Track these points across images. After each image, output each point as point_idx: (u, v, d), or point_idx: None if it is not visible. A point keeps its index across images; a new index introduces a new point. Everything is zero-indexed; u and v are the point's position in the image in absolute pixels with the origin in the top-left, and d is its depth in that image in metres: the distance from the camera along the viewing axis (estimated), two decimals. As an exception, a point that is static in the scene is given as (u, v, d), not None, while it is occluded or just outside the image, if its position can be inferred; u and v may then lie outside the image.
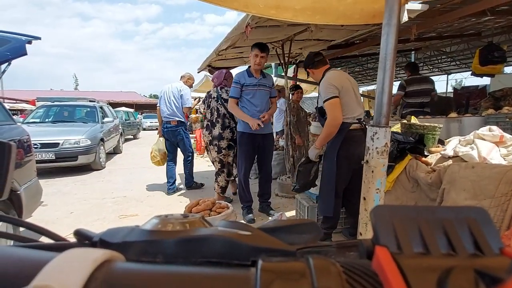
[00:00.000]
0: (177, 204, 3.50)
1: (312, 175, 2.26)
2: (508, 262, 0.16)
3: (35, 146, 4.77)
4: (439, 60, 8.34)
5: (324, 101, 2.02)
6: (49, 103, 6.89)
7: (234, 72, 5.34)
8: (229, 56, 3.76)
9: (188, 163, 4.21)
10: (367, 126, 1.26)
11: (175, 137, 3.97)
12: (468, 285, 0.14)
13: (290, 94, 4.15)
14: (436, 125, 2.15)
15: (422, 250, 0.17)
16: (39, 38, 2.76)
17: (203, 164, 6.03)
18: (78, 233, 0.25)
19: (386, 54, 1.09)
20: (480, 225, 0.18)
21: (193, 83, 4.19)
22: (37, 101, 7.52)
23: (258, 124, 2.67)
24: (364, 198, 1.22)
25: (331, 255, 0.22)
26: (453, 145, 1.94)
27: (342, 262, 0.17)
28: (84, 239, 0.24)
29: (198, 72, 4.70)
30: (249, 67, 2.87)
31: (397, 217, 0.19)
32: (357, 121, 2.08)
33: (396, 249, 0.17)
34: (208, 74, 5.65)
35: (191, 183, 4.25)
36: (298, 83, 4.94)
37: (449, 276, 0.15)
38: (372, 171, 1.19)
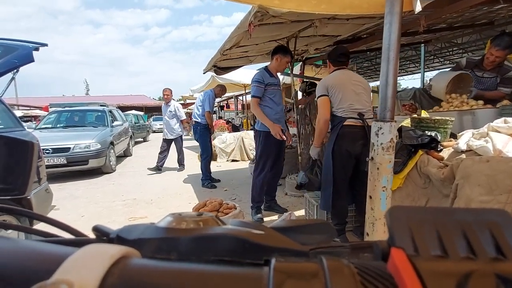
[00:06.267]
0: (186, 205, 3.51)
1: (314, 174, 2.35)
2: None
3: (47, 151, 4.87)
4: (451, 52, 8.13)
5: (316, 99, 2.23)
6: (60, 108, 7.03)
7: (238, 72, 5.37)
8: (234, 55, 3.74)
9: (201, 163, 4.45)
10: (372, 122, 1.22)
11: (195, 134, 4.59)
12: None
13: (306, 93, 4.10)
14: (447, 118, 2.08)
15: (440, 253, 0.16)
16: (46, 45, 2.79)
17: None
18: (96, 229, 0.26)
19: (389, 45, 1.04)
20: (502, 228, 0.17)
21: (222, 93, 4.66)
22: (50, 107, 7.67)
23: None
24: (370, 197, 1.17)
25: (345, 256, 0.22)
26: (466, 139, 1.86)
27: (356, 263, 0.17)
28: (102, 235, 0.25)
29: (204, 73, 4.69)
30: (266, 67, 2.91)
31: (414, 219, 0.18)
32: (358, 117, 2.10)
33: (413, 251, 0.16)
34: (215, 74, 5.65)
35: (202, 183, 4.33)
36: (305, 80, 4.88)
37: (469, 281, 0.14)
38: (378, 168, 1.13)
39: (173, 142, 5.59)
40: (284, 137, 2.76)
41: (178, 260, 0.19)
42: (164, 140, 5.57)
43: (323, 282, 0.15)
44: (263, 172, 2.89)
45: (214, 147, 6.04)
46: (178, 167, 5.81)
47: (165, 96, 5.44)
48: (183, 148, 5.87)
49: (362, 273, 0.16)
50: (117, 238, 0.22)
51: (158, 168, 5.60)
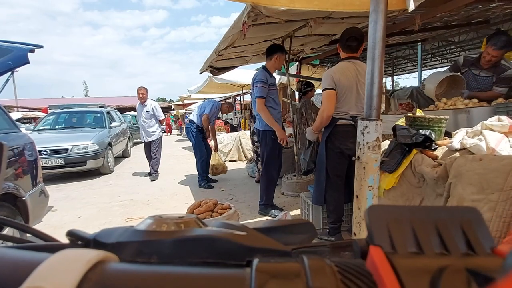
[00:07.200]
0: (182, 206, 3.50)
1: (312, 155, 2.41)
2: (500, 262, 0.16)
3: (45, 152, 4.86)
4: (448, 51, 8.12)
5: (322, 90, 2.13)
6: (58, 110, 7.03)
7: (235, 71, 5.35)
8: (230, 56, 3.73)
9: (196, 163, 4.40)
10: (358, 121, 1.22)
11: (187, 134, 4.50)
12: (461, 285, 0.15)
13: (301, 92, 4.10)
14: (442, 117, 2.07)
15: (415, 250, 0.17)
16: (41, 47, 2.78)
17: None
18: (71, 234, 0.25)
19: (374, 43, 1.04)
20: (473, 225, 0.18)
21: (228, 110, 4.77)
22: (49, 109, 7.66)
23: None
24: (357, 196, 1.17)
25: (326, 254, 0.22)
26: (460, 137, 1.86)
27: (337, 262, 0.17)
28: (77, 239, 0.24)
29: (200, 73, 4.68)
30: (265, 66, 2.91)
31: (391, 217, 0.19)
32: (350, 118, 2.10)
33: (390, 249, 0.17)
34: (211, 75, 5.64)
35: (199, 183, 4.33)
36: (301, 80, 4.88)
37: (442, 275, 0.15)
38: (364, 168, 1.13)
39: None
40: (287, 141, 2.83)
41: (158, 263, 0.19)
42: (145, 144, 5.15)
43: (305, 281, 0.15)
44: (276, 167, 2.96)
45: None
46: (150, 175, 5.17)
47: (140, 95, 4.90)
48: (180, 149, 5.78)
49: (342, 271, 0.16)
50: (94, 242, 0.22)
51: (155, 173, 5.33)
